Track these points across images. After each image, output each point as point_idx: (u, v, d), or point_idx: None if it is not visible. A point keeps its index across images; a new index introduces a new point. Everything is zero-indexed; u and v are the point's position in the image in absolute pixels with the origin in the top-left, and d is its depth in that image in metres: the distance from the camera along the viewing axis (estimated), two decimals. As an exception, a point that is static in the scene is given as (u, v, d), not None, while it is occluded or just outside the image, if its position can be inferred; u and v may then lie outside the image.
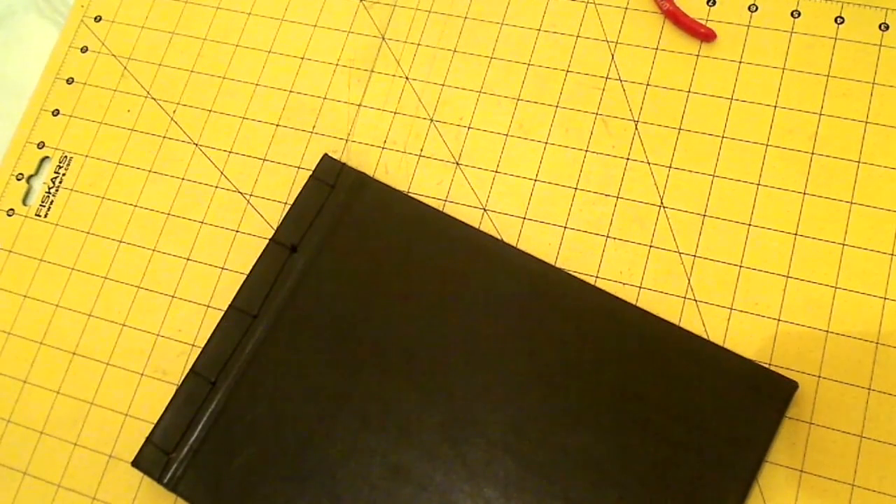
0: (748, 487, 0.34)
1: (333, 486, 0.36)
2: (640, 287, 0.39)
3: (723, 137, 0.40)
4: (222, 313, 0.41)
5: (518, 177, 0.42)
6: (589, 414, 0.35)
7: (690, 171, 0.40)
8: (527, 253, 0.39)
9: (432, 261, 0.39)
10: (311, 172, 0.42)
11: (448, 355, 0.37)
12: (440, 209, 0.41)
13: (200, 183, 0.45)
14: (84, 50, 0.50)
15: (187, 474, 0.38)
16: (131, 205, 0.46)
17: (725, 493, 0.33)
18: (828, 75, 0.40)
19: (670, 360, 0.36)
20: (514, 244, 0.40)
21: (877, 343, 0.36)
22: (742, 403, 0.34)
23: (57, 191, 0.47)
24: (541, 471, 0.34)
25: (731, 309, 0.38)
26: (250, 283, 0.41)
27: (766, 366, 0.36)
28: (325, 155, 0.43)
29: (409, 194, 0.42)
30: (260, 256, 0.41)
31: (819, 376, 0.36)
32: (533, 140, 0.42)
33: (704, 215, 0.39)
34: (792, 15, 0.42)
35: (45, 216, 0.47)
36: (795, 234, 0.38)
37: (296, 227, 0.41)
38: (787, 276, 0.38)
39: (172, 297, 0.43)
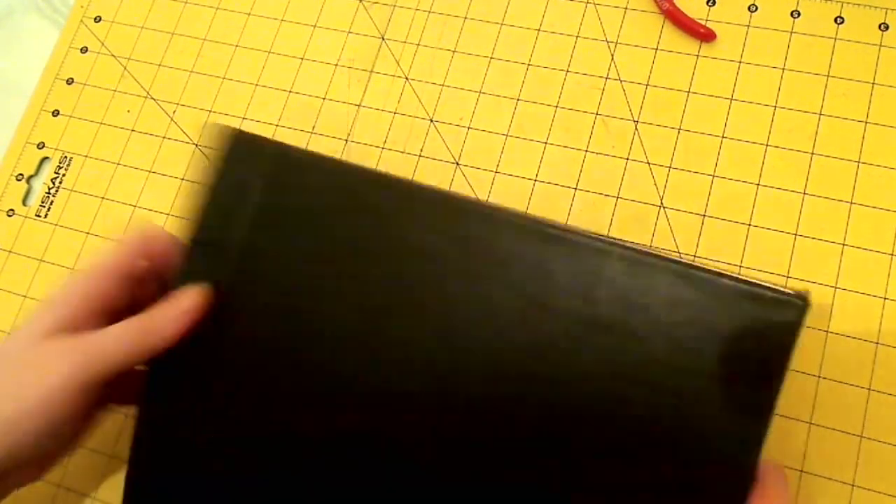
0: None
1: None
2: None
3: (723, 137, 0.40)
4: None
5: (518, 177, 0.42)
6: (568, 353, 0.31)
7: (690, 171, 0.40)
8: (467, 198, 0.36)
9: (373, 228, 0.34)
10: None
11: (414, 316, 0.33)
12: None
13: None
14: (84, 50, 0.50)
15: None
16: (131, 205, 0.46)
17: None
18: (828, 75, 0.40)
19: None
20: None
21: (877, 343, 0.36)
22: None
23: (57, 191, 0.47)
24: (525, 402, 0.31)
25: (731, 309, 0.38)
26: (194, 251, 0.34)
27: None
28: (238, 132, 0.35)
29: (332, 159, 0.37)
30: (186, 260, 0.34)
31: (819, 376, 0.36)
32: (533, 140, 0.42)
33: (704, 215, 0.39)
34: (792, 15, 0.42)
35: (45, 216, 0.47)
36: (795, 234, 0.38)
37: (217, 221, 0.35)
38: (787, 276, 0.38)
39: (172, 297, 0.43)
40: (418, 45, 0.45)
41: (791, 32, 0.41)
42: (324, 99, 0.46)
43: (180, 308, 0.31)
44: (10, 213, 0.47)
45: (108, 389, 0.31)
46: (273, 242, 0.34)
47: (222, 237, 0.34)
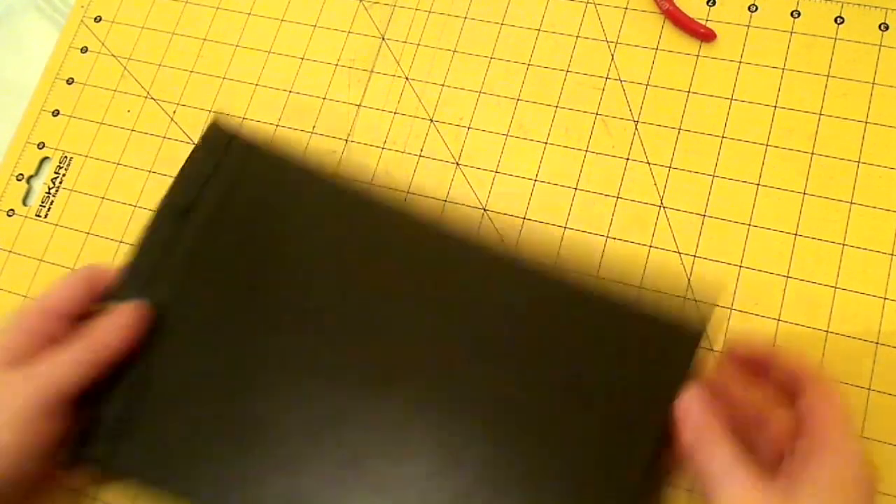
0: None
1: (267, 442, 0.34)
2: (640, 287, 0.39)
3: (723, 137, 0.40)
4: None
5: (518, 177, 0.42)
6: (507, 349, 0.34)
7: (690, 171, 0.40)
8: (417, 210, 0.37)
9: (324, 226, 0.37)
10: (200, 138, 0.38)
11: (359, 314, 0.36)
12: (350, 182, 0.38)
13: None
14: (84, 50, 0.50)
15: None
16: (131, 205, 0.46)
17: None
18: (828, 75, 0.40)
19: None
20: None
21: (877, 343, 0.36)
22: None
23: (57, 191, 0.47)
24: (462, 410, 0.34)
25: (731, 309, 0.38)
26: (143, 249, 0.37)
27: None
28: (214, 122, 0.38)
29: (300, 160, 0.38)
30: (150, 222, 0.37)
31: (819, 376, 0.36)
32: (533, 140, 0.42)
33: (704, 215, 0.39)
34: (792, 15, 0.42)
35: (45, 216, 0.47)
36: (795, 234, 0.38)
37: (188, 190, 0.37)
38: (787, 276, 0.38)
39: (172, 297, 0.43)
40: (418, 45, 0.45)
41: (791, 32, 0.41)
42: (324, 99, 0.46)
43: (120, 322, 0.33)
44: (11, 213, 0.47)
45: (74, 409, 0.32)
46: (225, 233, 0.37)
47: (180, 224, 0.37)
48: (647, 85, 0.42)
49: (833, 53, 0.40)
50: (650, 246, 0.39)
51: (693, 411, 0.30)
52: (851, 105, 0.39)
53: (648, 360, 0.33)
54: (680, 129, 0.41)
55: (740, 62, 0.41)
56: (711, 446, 0.28)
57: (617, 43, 0.43)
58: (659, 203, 0.40)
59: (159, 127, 0.47)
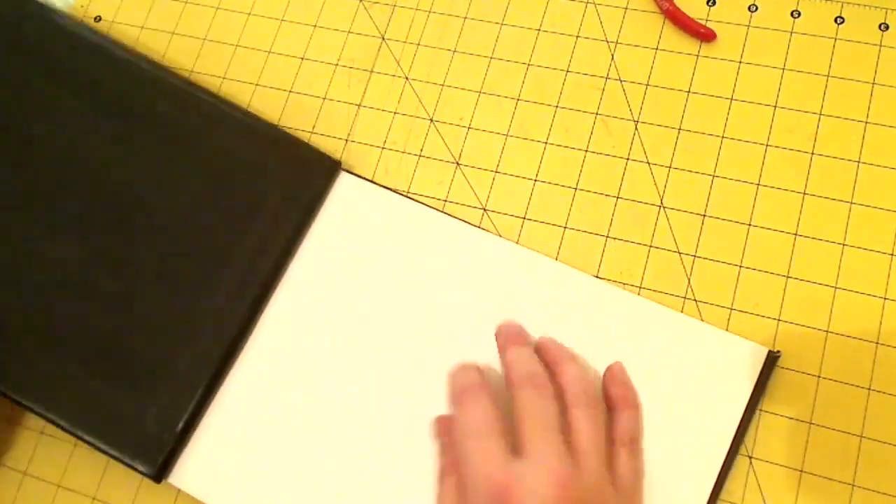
0: None
1: None
2: (640, 287, 0.39)
3: (723, 137, 0.40)
4: None
5: (518, 177, 0.42)
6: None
7: (690, 171, 0.40)
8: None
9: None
10: None
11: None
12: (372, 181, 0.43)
13: None
14: (84, 50, 0.50)
15: None
16: (131, 205, 0.46)
17: None
18: (828, 75, 0.40)
19: None
20: (499, 236, 0.40)
21: (877, 343, 0.36)
22: None
23: (57, 191, 0.47)
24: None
25: (731, 309, 0.38)
26: None
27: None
28: None
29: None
30: None
31: (819, 376, 0.36)
32: (533, 140, 0.42)
33: (704, 215, 0.39)
34: (792, 15, 0.42)
35: (45, 216, 0.47)
36: (795, 234, 0.38)
37: None
38: (787, 276, 0.38)
39: (172, 297, 0.43)
40: (418, 45, 0.45)
41: (791, 32, 0.41)
42: (324, 99, 0.46)
43: None
44: (10, 212, 0.47)
45: None
46: None
47: None
48: (647, 85, 0.42)
49: (833, 53, 0.40)
50: (650, 246, 0.39)
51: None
52: (851, 105, 0.39)
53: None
54: (680, 129, 0.41)
55: (740, 62, 0.41)
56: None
57: (617, 43, 0.43)
58: (659, 203, 0.40)
59: (159, 127, 0.47)
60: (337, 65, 0.46)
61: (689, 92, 0.41)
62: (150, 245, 0.43)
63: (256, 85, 0.47)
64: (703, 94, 0.41)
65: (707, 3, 0.43)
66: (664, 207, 0.40)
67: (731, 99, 0.41)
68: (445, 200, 0.42)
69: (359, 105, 0.45)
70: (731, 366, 0.36)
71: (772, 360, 0.36)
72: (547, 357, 0.35)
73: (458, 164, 0.43)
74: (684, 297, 0.38)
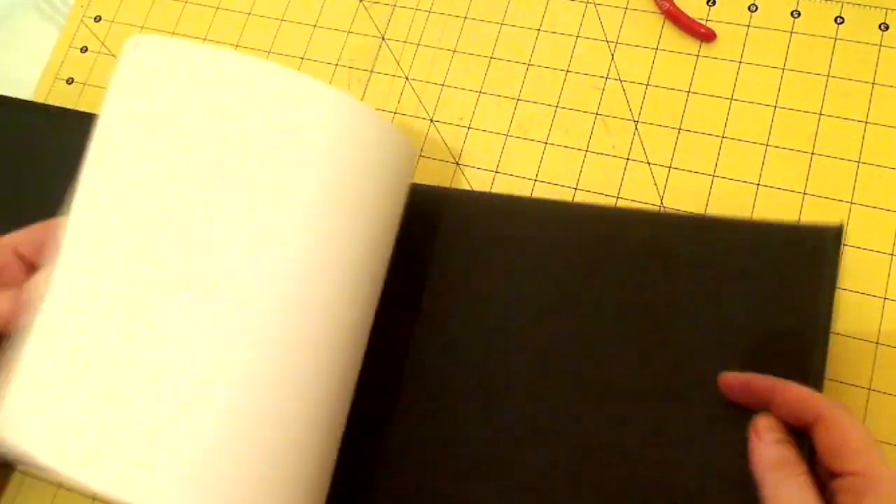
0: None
1: None
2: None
3: (723, 137, 0.40)
4: None
5: (518, 177, 0.42)
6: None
7: (690, 171, 0.40)
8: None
9: None
10: None
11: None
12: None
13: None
14: (84, 50, 0.50)
15: None
16: (131, 205, 0.46)
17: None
18: (828, 75, 0.40)
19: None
20: None
21: (877, 343, 0.36)
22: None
23: (57, 191, 0.47)
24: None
25: (731, 309, 0.37)
26: None
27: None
28: None
29: None
30: None
31: (819, 376, 0.36)
32: (533, 140, 0.42)
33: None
34: (792, 15, 0.42)
35: (45, 216, 0.47)
36: (795, 234, 0.38)
37: None
38: (787, 276, 0.37)
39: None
40: (418, 45, 0.45)
41: (791, 32, 0.41)
42: (324, 99, 0.46)
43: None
44: (10, 213, 0.47)
45: None
46: None
47: None
48: (647, 85, 0.42)
49: (833, 53, 0.40)
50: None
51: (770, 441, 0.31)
52: (851, 105, 0.39)
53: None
54: (680, 129, 0.41)
55: (740, 62, 0.41)
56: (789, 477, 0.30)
57: (617, 43, 0.43)
58: (659, 203, 0.40)
59: (159, 127, 0.47)
60: (337, 65, 0.46)
61: (689, 92, 0.41)
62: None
63: (256, 85, 0.47)
64: (703, 94, 0.41)
65: (707, 3, 0.43)
66: (664, 207, 0.40)
67: (731, 99, 0.41)
68: (445, 200, 0.42)
69: (359, 105, 0.45)
70: None
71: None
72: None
73: (458, 164, 0.43)
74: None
